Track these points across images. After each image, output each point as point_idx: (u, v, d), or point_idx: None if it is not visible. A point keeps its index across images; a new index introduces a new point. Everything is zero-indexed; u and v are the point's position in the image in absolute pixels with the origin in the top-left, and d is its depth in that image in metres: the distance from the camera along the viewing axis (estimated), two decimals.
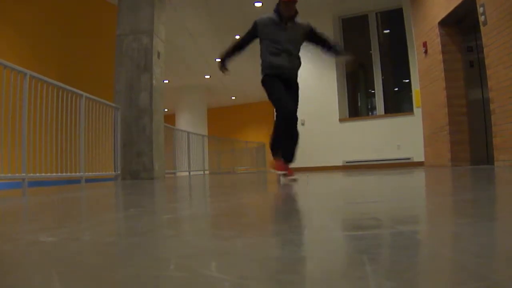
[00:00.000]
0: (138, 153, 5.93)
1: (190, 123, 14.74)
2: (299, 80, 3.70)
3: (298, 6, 3.53)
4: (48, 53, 7.63)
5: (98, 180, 5.71)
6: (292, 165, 3.54)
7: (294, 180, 3.35)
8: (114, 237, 1.04)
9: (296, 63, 3.60)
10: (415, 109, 7.98)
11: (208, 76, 14.59)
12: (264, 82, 3.56)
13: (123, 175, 5.87)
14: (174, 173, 8.60)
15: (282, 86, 3.47)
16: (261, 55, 3.59)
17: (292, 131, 3.45)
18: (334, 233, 0.96)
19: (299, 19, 3.62)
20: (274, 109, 3.48)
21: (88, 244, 0.92)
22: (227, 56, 3.71)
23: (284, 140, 3.48)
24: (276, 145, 3.56)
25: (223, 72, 3.83)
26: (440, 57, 6.45)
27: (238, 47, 3.69)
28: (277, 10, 3.53)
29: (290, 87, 3.53)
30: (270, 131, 3.60)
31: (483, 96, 5.70)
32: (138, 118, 5.97)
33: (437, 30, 6.50)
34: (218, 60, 3.78)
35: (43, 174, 4.08)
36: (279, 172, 3.44)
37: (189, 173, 9.32)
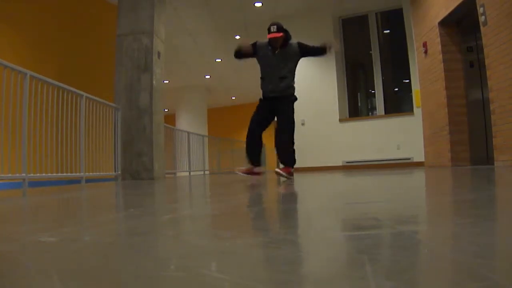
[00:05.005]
0: (138, 153, 5.92)
1: (190, 123, 14.73)
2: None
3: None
4: (48, 53, 7.63)
5: (98, 180, 5.71)
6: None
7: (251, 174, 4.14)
8: (114, 237, 1.04)
9: (284, 86, 4.04)
10: (415, 109, 7.97)
11: (208, 76, 14.59)
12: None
13: (123, 175, 5.87)
14: (174, 173, 8.60)
15: (263, 113, 4.12)
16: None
17: (282, 144, 4.05)
18: (334, 233, 0.96)
19: (291, 42, 4.06)
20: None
21: (88, 244, 0.92)
22: (239, 53, 4.18)
23: (279, 150, 4.12)
24: (248, 155, 4.25)
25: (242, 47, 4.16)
26: (440, 57, 6.45)
27: (242, 51, 4.15)
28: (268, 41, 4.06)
29: (278, 108, 4.07)
30: (272, 133, 4.01)
31: (483, 96, 5.69)
32: (138, 118, 5.97)
33: (437, 30, 6.50)
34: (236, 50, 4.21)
35: (43, 174, 4.09)
36: (241, 174, 4.22)
37: (189, 173, 9.33)
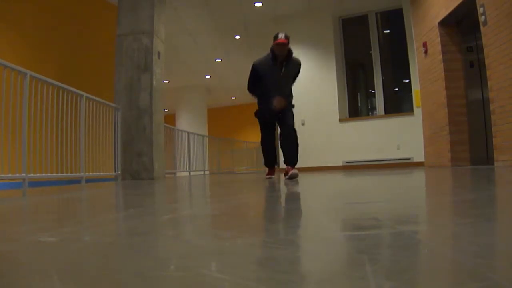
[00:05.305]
0: (138, 153, 5.92)
1: (190, 123, 14.73)
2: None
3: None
4: (48, 53, 7.63)
5: (98, 180, 5.71)
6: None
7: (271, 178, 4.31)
8: (114, 237, 1.04)
9: (287, 102, 4.21)
10: (415, 109, 7.97)
11: (208, 76, 14.59)
12: (258, 117, 4.38)
13: (123, 175, 5.87)
14: (174, 173, 8.60)
15: (268, 120, 4.33)
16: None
17: (289, 140, 4.18)
18: (334, 233, 0.96)
19: (292, 56, 4.21)
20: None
21: (88, 244, 0.92)
22: (253, 92, 4.40)
23: (284, 149, 4.23)
24: (265, 160, 4.54)
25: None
26: (440, 57, 6.45)
27: (252, 87, 4.33)
28: (272, 51, 4.12)
29: (280, 116, 4.24)
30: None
31: (483, 96, 5.69)
32: (138, 118, 5.96)
33: (437, 30, 6.49)
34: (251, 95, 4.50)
35: (43, 174, 4.08)
36: (267, 177, 4.44)
37: (189, 173, 9.32)
